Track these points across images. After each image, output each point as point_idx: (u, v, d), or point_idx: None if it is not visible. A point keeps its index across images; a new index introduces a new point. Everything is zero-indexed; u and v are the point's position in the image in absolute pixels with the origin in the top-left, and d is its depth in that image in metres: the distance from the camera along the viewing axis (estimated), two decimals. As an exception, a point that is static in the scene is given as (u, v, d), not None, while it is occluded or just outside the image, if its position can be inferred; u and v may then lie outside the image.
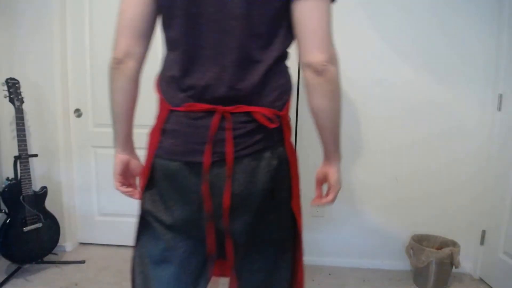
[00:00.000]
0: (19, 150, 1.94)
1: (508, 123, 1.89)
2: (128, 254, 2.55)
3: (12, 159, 1.98)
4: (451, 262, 1.89)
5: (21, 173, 1.95)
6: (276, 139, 0.84)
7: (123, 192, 0.98)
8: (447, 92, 2.01)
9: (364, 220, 2.18)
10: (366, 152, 2.11)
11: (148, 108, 2.26)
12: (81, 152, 2.35)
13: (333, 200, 0.94)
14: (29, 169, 1.98)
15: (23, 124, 1.96)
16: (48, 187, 2.10)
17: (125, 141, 0.95)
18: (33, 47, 2.15)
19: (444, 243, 2.03)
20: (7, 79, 1.96)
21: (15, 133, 1.99)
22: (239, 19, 0.76)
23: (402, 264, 2.16)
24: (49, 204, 2.10)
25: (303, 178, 0.98)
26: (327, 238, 2.21)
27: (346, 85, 1.96)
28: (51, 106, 2.21)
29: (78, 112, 2.30)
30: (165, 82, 0.85)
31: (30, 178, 1.98)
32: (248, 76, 0.79)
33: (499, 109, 1.94)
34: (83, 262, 2.19)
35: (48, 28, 2.13)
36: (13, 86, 1.96)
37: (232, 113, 0.79)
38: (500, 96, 1.93)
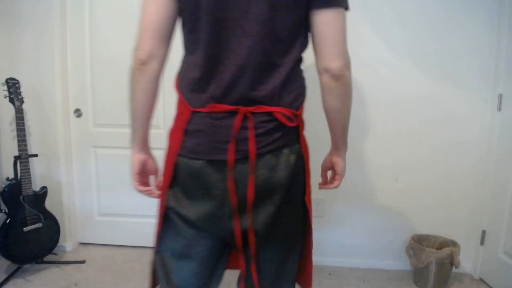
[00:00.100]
0: (19, 150, 1.94)
1: (508, 123, 1.89)
2: (128, 254, 2.57)
3: (12, 159, 1.98)
4: (451, 262, 1.89)
5: (21, 173, 1.95)
6: (293, 137, 0.90)
7: (142, 192, 1.00)
8: (446, 92, 2.01)
9: (364, 220, 2.18)
10: (366, 152, 2.11)
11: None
12: (81, 152, 2.35)
13: (338, 186, 1.06)
14: (29, 169, 1.98)
15: (23, 124, 1.96)
16: (48, 187, 2.10)
17: (143, 141, 0.97)
18: (33, 47, 2.16)
19: (444, 243, 2.03)
20: (7, 79, 1.96)
21: (15, 133, 1.99)
22: (263, 25, 0.81)
23: (402, 264, 2.16)
24: (49, 204, 2.11)
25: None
26: (327, 238, 2.21)
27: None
28: (51, 106, 2.21)
29: (78, 112, 2.30)
30: (186, 84, 0.88)
31: (30, 178, 1.98)
32: (270, 78, 0.84)
33: (499, 109, 1.94)
34: (83, 262, 2.19)
35: (48, 28, 2.13)
36: (13, 86, 1.96)
37: (253, 113, 0.84)
38: (500, 96, 1.93)
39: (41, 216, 2.02)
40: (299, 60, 0.89)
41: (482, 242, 2.05)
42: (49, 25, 2.13)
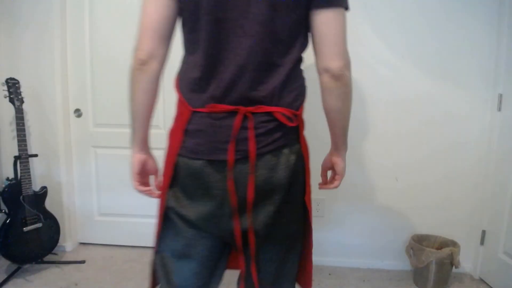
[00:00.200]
0: (19, 150, 1.94)
1: (508, 123, 1.89)
2: (128, 254, 2.57)
3: (12, 159, 1.98)
4: (451, 262, 1.89)
5: (21, 173, 1.95)
6: (293, 137, 0.90)
7: (142, 192, 1.00)
8: (446, 92, 2.00)
9: (364, 220, 2.18)
10: (366, 152, 2.11)
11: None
12: (81, 152, 2.35)
13: (338, 186, 1.06)
14: (29, 169, 1.98)
15: (23, 124, 1.96)
16: (48, 187, 2.10)
17: (143, 141, 0.97)
18: (33, 47, 2.16)
19: (444, 243, 2.03)
20: (7, 79, 1.96)
21: (15, 133, 1.99)
22: (263, 25, 0.81)
23: (402, 264, 2.16)
24: (49, 204, 2.11)
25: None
26: (327, 238, 2.21)
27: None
28: (51, 106, 2.21)
29: (78, 112, 2.30)
30: (186, 84, 0.88)
31: (30, 178, 1.98)
32: (270, 78, 0.84)
33: (499, 109, 1.94)
34: (83, 262, 2.19)
35: (48, 28, 2.13)
36: (13, 86, 1.96)
37: (253, 113, 0.84)
38: (500, 96, 1.93)
39: (41, 216, 2.02)
40: (299, 60, 0.89)
41: (482, 242, 2.05)
42: (49, 25, 2.13)
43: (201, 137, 0.86)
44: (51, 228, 2.08)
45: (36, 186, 2.12)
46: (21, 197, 1.94)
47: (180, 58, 0.93)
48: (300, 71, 0.91)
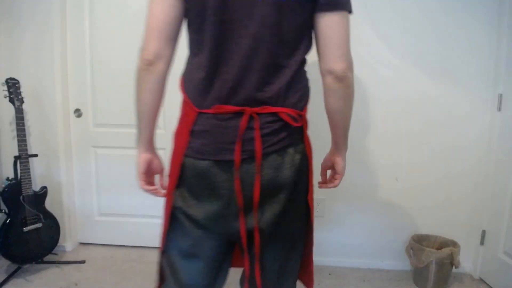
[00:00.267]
0: (19, 150, 1.94)
1: (508, 123, 1.89)
2: (128, 254, 2.56)
3: (12, 159, 1.98)
4: (451, 262, 1.89)
5: (21, 173, 1.95)
6: (297, 136, 0.92)
7: (148, 191, 1.01)
8: (447, 92, 2.01)
9: (364, 220, 2.18)
10: (366, 151, 2.11)
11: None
12: (81, 152, 2.35)
13: (337, 185, 1.07)
14: (29, 169, 1.98)
15: (23, 124, 1.96)
16: (48, 187, 2.10)
17: (149, 140, 0.98)
18: (33, 47, 2.15)
19: (444, 243, 2.03)
20: (7, 79, 1.96)
21: (15, 133, 1.99)
22: (270, 27, 0.82)
23: (402, 264, 2.16)
24: (49, 204, 2.10)
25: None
26: (327, 238, 2.21)
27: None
28: (51, 106, 2.21)
29: (78, 112, 2.30)
30: (191, 85, 0.89)
31: (30, 178, 1.98)
32: (275, 80, 0.86)
33: (499, 109, 1.94)
34: (83, 262, 2.19)
35: (48, 28, 2.13)
36: (13, 86, 1.96)
37: (258, 114, 0.85)
38: (500, 96, 1.93)
39: (41, 216, 2.02)
40: (304, 61, 0.91)
41: (482, 242, 2.05)
42: (49, 25, 2.13)
43: (207, 137, 0.86)
44: (51, 228, 2.08)
45: (36, 186, 2.12)
46: (21, 197, 1.94)
47: (182, 58, 0.93)
48: (304, 72, 0.92)
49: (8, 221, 1.91)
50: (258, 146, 0.85)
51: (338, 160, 1.05)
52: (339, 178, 1.06)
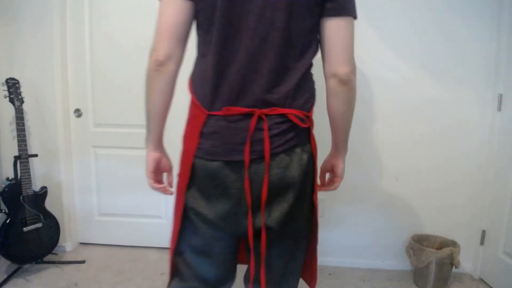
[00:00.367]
0: (19, 150, 1.94)
1: (508, 123, 1.89)
2: (128, 254, 2.56)
3: (12, 159, 1.98)
4: (451, 262, 1.89)
5: (21, 173, 1.95)
6: (304, 137, 0.94)
7: (157, 189, 1.03)
8: (447, 92, 2.01)
9: (364, 220, 2.18)
10: (366, 152, 2.11)
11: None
12: (81, 152, 2.35)
13: (337, 188, 1.08)
14: (29, 169, 1.98)
15: (23, 124, 1.96)
16: (48, 187, 2.10)
17: (158, 140, 1.00)
18: (33, 47, 2.15)
19: (444, 243, 2.03)
20: (7, 79, 1.96)
21: (15, 133, 1.99)
22: (279, 31, 0.85)
23: (402, 264, 2.16)
24: (49, 204, 2.10)
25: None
26: (327, 238, 2.20)
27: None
28: (51, 106, 2.21)
29: (78, 112, 2.30)
30: (200, 86, 0.91)
31: (30, 178, 1.98)
32: (284, 82, 0.88)
33: (499, 109, 1.94)
34: (83, 262, 2.19)
35: (48, 28, 2.13)
36: (13, 86, 1.96)
37: (267, 115, 0.87)
38: (500, 96, 1.93)
39: (41, 216, 2.02)
40: (311, 64, 0.93)
41: (482, 242, 2.05)
42: (49, 25, 2.13)
43: (217, 139, 0.89)
44: (51, 228, 2.08)
45: (36, 186, 2.12)
46: (21, 197, 1.94)
47: (187, 60, 0.94)
48: (311, 74, 0.95)
49: (8, 221, 1.91)
50: (267, 147, 0.87)
51: (338, 163, 1.06)
52: (338, 181, 1.08)
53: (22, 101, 1.98)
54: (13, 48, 2.16)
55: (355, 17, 0.89)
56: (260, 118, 0.87)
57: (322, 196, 2.13)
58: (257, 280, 0.98)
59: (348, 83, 0.89)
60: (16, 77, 2.00)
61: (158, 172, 1.03)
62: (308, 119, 0.93)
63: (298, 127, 0.90)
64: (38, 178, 2.27)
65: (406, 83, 2.02)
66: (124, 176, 2.33)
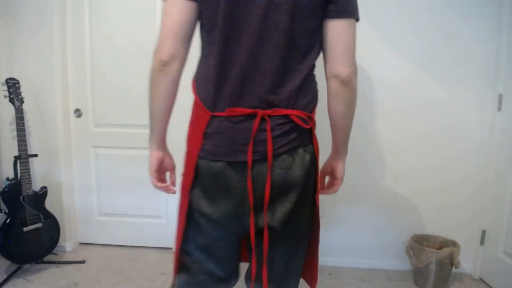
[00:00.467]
0: (19, 150, 1.94)
1: (508, 123, 1.89)
2: (128, 254, 2.56)
3: (12, 159, 1.98)
4: (451, 262, 1.89)
5: (21, 173, 1.95)
6: (306, 137, 0.95)
7: (160, 188, 1.04)
8: (447, 92, 2.01)
9: (364, 220, 2.18)
10: (366, 152, 2.11)
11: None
12: (81, 152, 2.35)
13: (336, 191, 1.08)
14: (29, 169, 1.98)
15: (23, 124, 1.96)
16: (48, 187, 2.10)
17: (161, 139, 1.00)
18: (33, 47, 2.15)
19: (444, 243, 2.03)
20: (7, 79, 1.96)
21: (15, 133, 1.99)
22: (282, 32, 0.86)
23: (402, 264, 2.16)
24: (49, 204, 2.10)
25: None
26: (327, 238, 2.20)
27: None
28: (51, 106, 2.21)
29: (78, 112, 2.30)
30: (203, 87, 0.91)
31: (30, 178, 1.98)
32: (287, 83, 0.89)
33: (499, 109, 1.94)
34: (83, 262, 2.19)
35: (48, 28, 2.13)
36: (13, 86, 1.96)
37: (270, 116, 0.88)
38: (500, 96, 1.93)
39: (41, 216, 2.02)
40: (313, 66, 0.94)
41: (482, 242, 2.05)
42: (49, 25, 2.13)
43: (220, 139, 0.90)
44: (51, 228, 2.08)
45: (36, 186, 2.12)
46: (21, 197, 1.94)
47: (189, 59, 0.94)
48: (314, 76, 0.96)
49: (8, 221, 1.91)
50: (269, 147, 0.88)
51: (338, 165, 1.06)
52: (338, 184, 1.08)
53: (22, 101, 1.98)
54: (13, 48, 2.16)
55: (357, 19, 0.90)
56: (263, 119, 0.87)
57: (322, 196, 2.11)
58: (258, 279, 0.99)
59: (349, 84, 0.90)
60: (16, 77, 2.00)
61: (161, 171, 1.04)
62: (311, 120, 0.93)
63: (301, 127, 0.91)
64: (38, 178, 2.27)
65: (406, 83, 2.02)
66: (124, 176, 2.33)
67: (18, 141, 1.94)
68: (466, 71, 1.98)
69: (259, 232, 0.94)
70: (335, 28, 0.88)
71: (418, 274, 1.98)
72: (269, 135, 0.88)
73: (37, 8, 2.11)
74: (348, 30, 0.88)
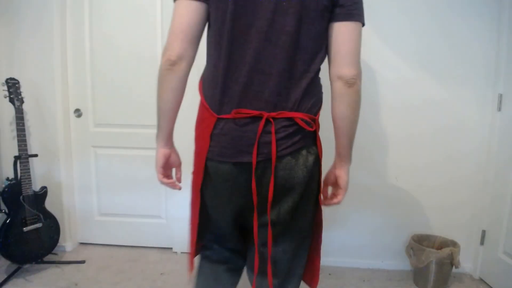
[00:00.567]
0: (19, 150, 1.94)
1: (508, 123, 1.89)
2: (128, 254, 2.56)
3: (12, 159, 1.98)
4: (451, 262, 1.89)
5: (21, 173, 1.95)
6: (310, 139, 0.96)
7: (166, 184, 1.06)
8: (447, 92, 2.01)
9: (364, 220, 2.18)
10: (366, 152, 2.11)
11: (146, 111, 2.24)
12: (81, 152, 2.35)
13: (340, 202, 1.08)
14: (29, 169, 1.98)
15: (23, 124, 1.96)
16: (48, 187, 2.10)
17: (168, 136, 1.03)
18: (33, 47, 2.15)
19: (444, 243, 2.03)
20: (7, 79, 1.96)
21: (15, 133, 1.99)
22: (290, 35, 0.87)
23: (402, 264, 2.15)
24: (49, 204, 2.10)
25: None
26: (328, 238, 2.19)
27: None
28: (51, 106, 2.21)
29: (78, 112, 2.30)
30: (209, 88, 0.93)
31: (30, 178, 1.98)
32: (293, 86, 0.90)
33: (499, 109, 1.94)
34: (83, 262, 2.19)
35: (48, 28, 2.13)
36: (13, 86, 1.96)
37: (274, 118, 0.90)
38: (500, 96, 1.93)
39: (41, 216, 2.02)
40: (319, 69, 0.95)
41: (482, 242, 2.05)
42: (49, 25, 2.13)
43: (227, 141, 0.92)
44: (51, 228, 2.08)
45: (36, 186, 2.12)
46: (21, 197, 1.94)
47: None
48: (319, 79, 0.98)
49: (8, 221, 1.90)
50: (273, 149, 0.90)
51: (342, 174, 1.06)
52: (342, 194, 1.08)
53: (22, 101, 1.98)
54: (13, 48, 2.16)
55: (363, 24, 0.91)
56: (267, 121, 0.89)
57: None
58: (260, 274, 1.02)
59: (353, 86, 0.91)
60: (16, 77, 1.99)
61: (167, 167, 1.06)
62: (315, 122, 0.95)
63: (305, 130, 0.92)
64: (38, 178, 2.27)
65: (406, 83, 2.02)
66: (124, 176, 2.33)
67: (18, 141, 1.94)
68: (466, 71, 1.98)
69: (263, 231, 0.97)
70: (341, 30, 0.89)
71: (418, 274, 1.98)
72: (273, 137, 0.89)
73: (37, 8, 2.11)
74: (353, 33, 0.89)
